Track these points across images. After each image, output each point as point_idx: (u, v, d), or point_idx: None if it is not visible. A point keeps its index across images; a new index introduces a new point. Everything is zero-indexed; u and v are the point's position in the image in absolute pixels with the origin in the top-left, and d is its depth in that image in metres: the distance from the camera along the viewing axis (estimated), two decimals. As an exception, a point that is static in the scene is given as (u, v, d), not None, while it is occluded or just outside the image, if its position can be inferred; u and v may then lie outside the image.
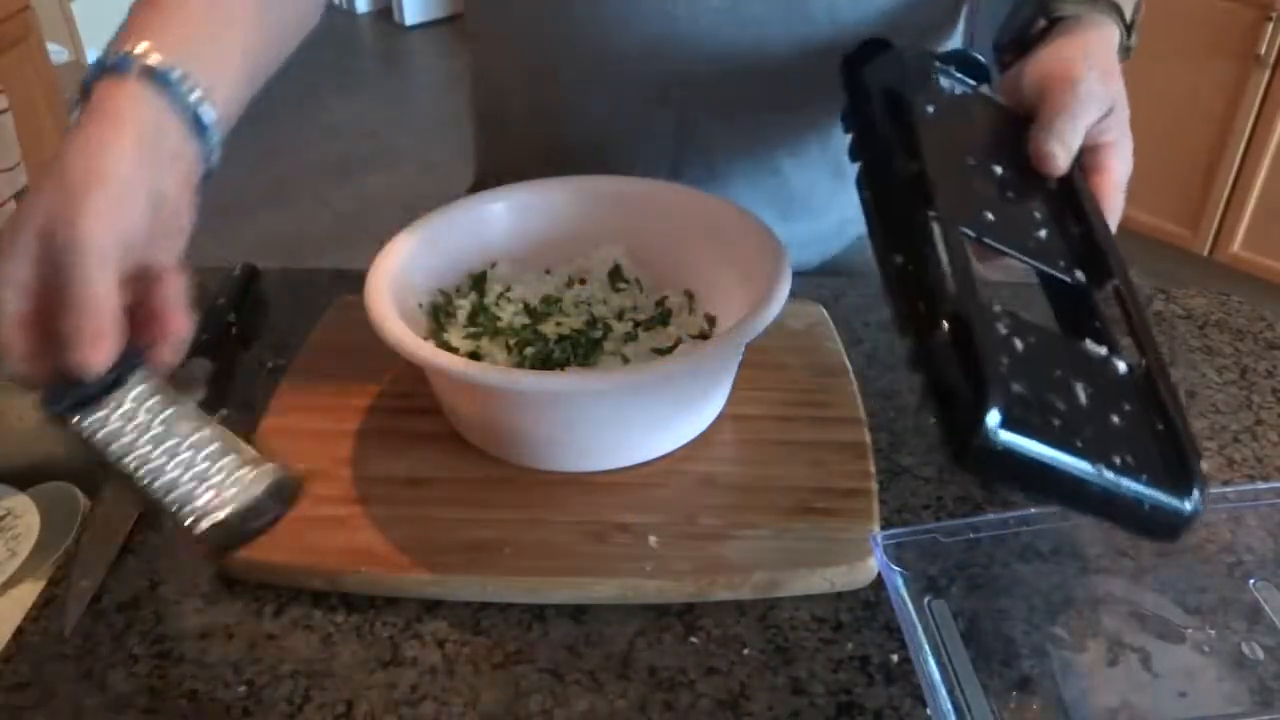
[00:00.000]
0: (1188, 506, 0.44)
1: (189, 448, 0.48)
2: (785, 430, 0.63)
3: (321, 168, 3.06)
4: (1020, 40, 0.61)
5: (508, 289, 0.69)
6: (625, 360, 0.63)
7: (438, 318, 0.66)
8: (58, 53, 2.32)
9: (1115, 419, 0.45)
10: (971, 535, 0.56)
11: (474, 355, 0.63)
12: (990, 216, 0.51)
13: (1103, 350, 0.48)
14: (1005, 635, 0.53)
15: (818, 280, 0.81)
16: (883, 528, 0.57)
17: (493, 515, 0.58)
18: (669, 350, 0.64)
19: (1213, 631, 0.54)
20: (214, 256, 0.70)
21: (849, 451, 0.62)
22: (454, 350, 0.63)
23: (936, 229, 0.48)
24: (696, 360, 0.59)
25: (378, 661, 0.53)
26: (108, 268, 0.45)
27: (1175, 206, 2.41)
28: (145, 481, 0.47)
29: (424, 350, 0.56)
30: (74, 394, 0.46)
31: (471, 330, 0.65)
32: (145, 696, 0.51)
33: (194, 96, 0.51)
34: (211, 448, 0.48)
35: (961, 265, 0.46)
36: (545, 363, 0.63)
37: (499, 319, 0.66)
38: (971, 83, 0.59)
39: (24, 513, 0.73)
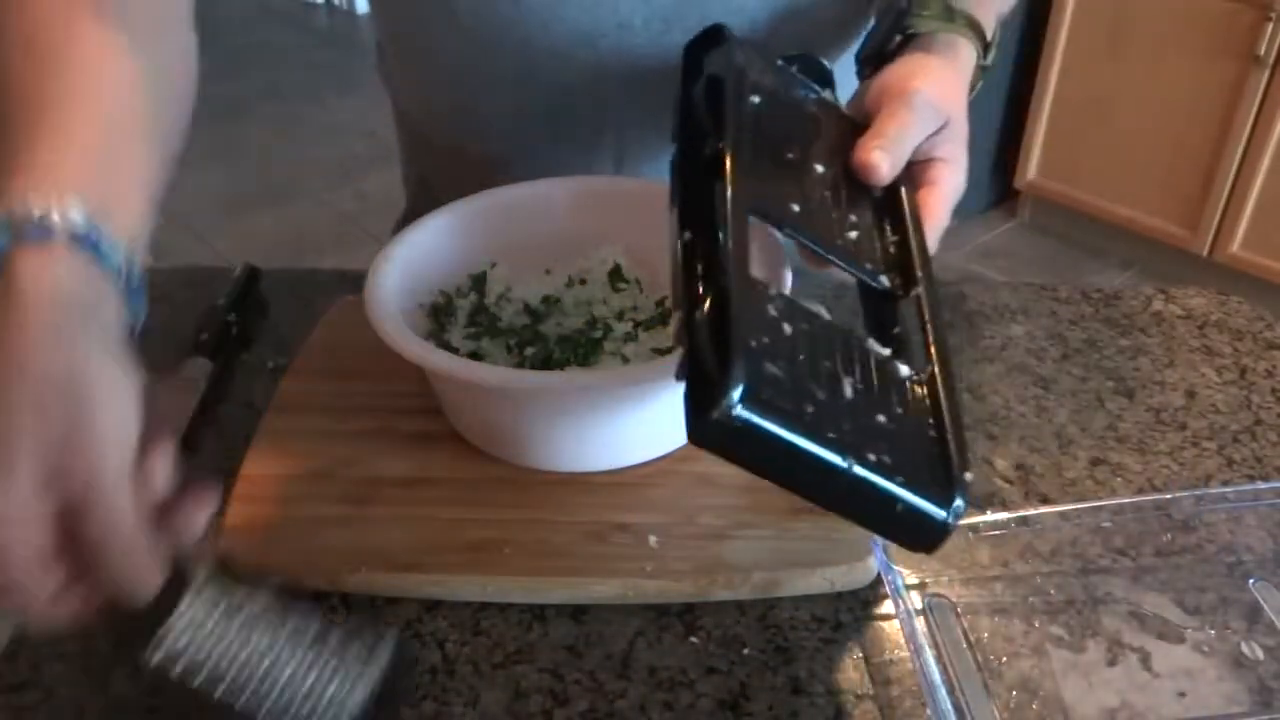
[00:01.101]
0: (943, 513, 0.42)
1: (288, 649, 0.43)
2: (785, 430, 0.63)
3: (321, 168, 3.06)
4: (878, 55, 0.61)
5: (508, 289, 0.69)
6: (625, 360, 0.63)
7: (438, 318, 0.66)
8: (58, 53, 2.31)
9: (881, 418, 0.44)
10: (971, 535, 0.57)
11: (474, 355, 0.63)
12: (795, 209, 0.51)
13: (886, 351, 0.47)
14: (1005, 635, 0.53)
15: (818, 280, 0.81)
16: (883, 528, 0.57)
17: (493, 515, 0.58)
18: (669, 350, 0.64)
19: (1212, 631, 0.54)
20: (214, 256, 0.70)
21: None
22: (454, 350, 0.63)
23: (722, 207, 0.47)
24: (696, 360, 0.59)
25: (378, 661, 0.53)
26: (127, 487, 0.40)
27: (1175, 206, 2.41)
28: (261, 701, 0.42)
29: (424, 350, 0.56)
30: (147, 631, 0.42)
31: (471, 330, 0.65)
32: (146, 697, 0.51)
33: (122, 259, 0.45)
34: (309, 638, 0.43)
35: (738, 243, 0.45)
36: (545, 363, 0.63)
37: (499, 319, 0.66)
38: (813, 85, 0.59)
39: (24, 513, 0.73)
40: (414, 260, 0.65)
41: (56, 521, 0.39)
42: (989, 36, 0.63)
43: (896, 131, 0.54)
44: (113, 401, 0.41)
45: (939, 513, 0.42)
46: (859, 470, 0.41)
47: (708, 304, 0.44)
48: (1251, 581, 0.56)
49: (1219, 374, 0.73)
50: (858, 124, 0.56)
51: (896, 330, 0.50)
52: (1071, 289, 0.82)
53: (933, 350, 0.48)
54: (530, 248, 0.71)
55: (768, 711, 0.51)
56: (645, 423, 0.60)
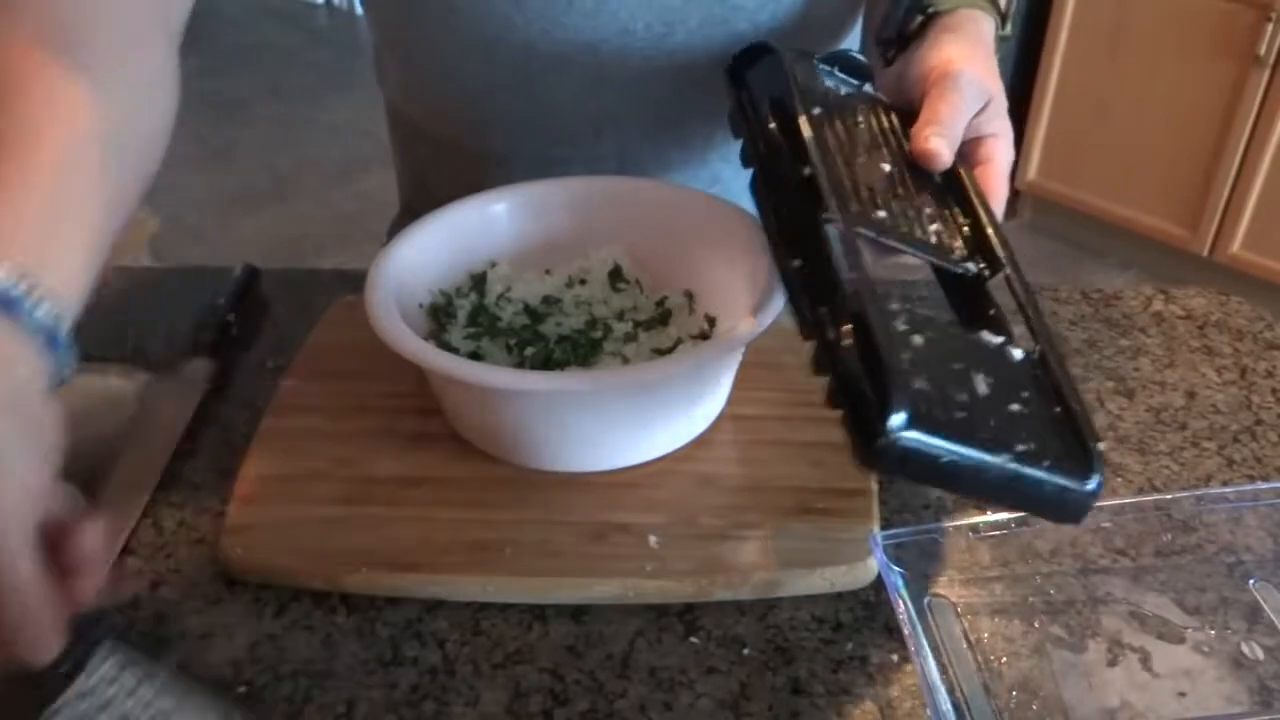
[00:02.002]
0: (1089, 486, 0.45)
1: None
2: (785, 430, 0.63)
3: (321, 168, 3.06)
4: (900, 36, 0.62)
5: (508, 289, 0.69)
6: (625, 360, 0.63)
7: (438, 318, 0.66)
8: (58, 53, 2.31)
9: (1015, 407, 0.46)
10: (971, 535, 0.57)
11: (474, 355, 0.63)
12: (882, 214, 0.52)
13: (998, 339, 0.49)
14: (1005, 635, 0.53)
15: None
16: (883, 528, 0.57)
17: (493, 515, 0.58)
18: (669, 350, 0.64)
19: (1213, 631, 0.54)
20: (214, 256, 0.70)
21: (849, 451, 0.62)
22: (454, 350, 0.63)
23: (831, 231, 0.48)
24: (696, 360, 0.59)
25: (378, 661, 0.53)
26: (28, 551, 0.38)
27: (1175, 206, 2.41)
28: None
29: (424, 350, 0.56)
30: (30, 699, 0.40)
31: (471, 330, 0.65)
32: (145, 696, 0.51)
33: (45, 314, 0.43)
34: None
35: (858, 266, 0.47)
36: (545, 363, 0.63)
37: (499, 319, 0.66)
38: (855, 82, 0.60)
39: (24, 513, 0.73)
40: (414, 260, 0.65)
41: None
42: (1003, 6, 0.63)
43: (949, 115, 0.55)
44: (14, 466, 0.38)
45: (1084, 486, 0.45)
46: (1012, 464, 0.43)
47: (846, 331, 0.45)
48: (1251, 581, 0.56)
49: (1219, 374, 0.73)
50: (905, 113, 0.57)
51: (993, 313, 0.51)
52: (1071, 289, 0.82)
53: (1037, 328, 0.49)
54: (530, 248, 0.71)
55: (768, 711, 0.51)
56: (645, 423, 0.60)
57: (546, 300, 0.68)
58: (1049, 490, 0.44)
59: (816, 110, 0.55)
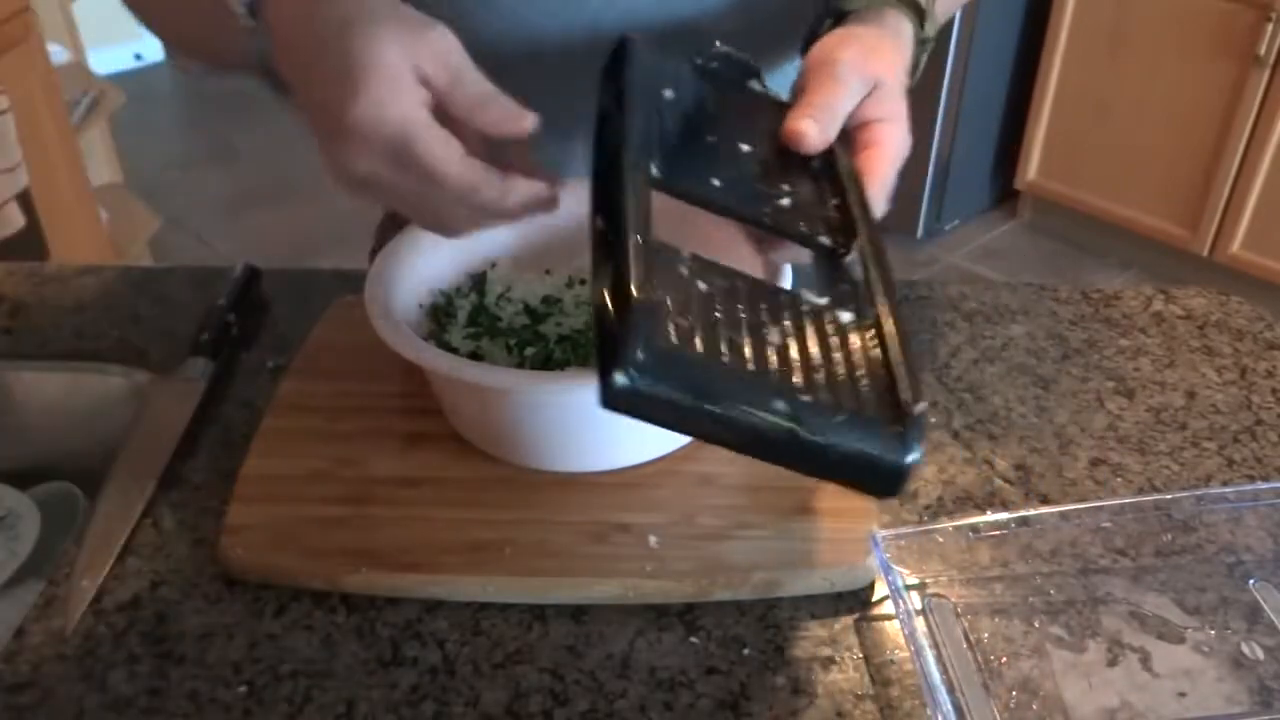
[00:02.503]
0: (903, 456, 0.40)
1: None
2: (785, 430, 0.63)
3: (322, 168, 3.06)
4: (813, 40, 0.61)
5: (508, 289, 0.69)
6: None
7: (438, 318, 0.66)
8: (58, 53, 2.32)
9: (819, 363, 0.42)
10: (971, 535, 0.57)
11: (474, 355, 0.63)
12: (715, 183, 0.51)
13: (823, 300, 0.46)
14: (1005, 635, 0.53)
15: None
16: (882, 528, 0.57)
17: (493, 515, 0.58)
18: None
19: (1213, 631, 0.54)
20: (214, 256, 0.70)
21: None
22: (454, 350, 0.63)
23: (620, 182, 0.47)
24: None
25: (378, 661, 0.53)
26: (439, 137, 0.49)
27: (1175, 206, 2.41)
28: None
29: (424, 351, 0.56)
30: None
31: (471, 330, 0.65)
32: (145, 697, 0.51)
33: None
34: None
35: (638, 214, 0.45)
36: (545, 363, 0.63)
37: (499, 319, 0.66)
38: (740, 81, 0.59)
39: (24, 513, 0.73)
40: (414, 260, 0.65)
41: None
42: (923, 6, 0.62)
43: (823, 100, 0.54)
44: (401, 67, 0.48)
45: (891, 453, 0.40)
46: (787, 415, 0.40)
47: (610, 274, 0.43)
48: (1251, 581, 0.56)
49: (1219, 374, 0.73)
50: (787, 106, 0.56)
51: (844, 287, 0.48)
52: (1071, 289, 0.82)
53: (878, 294, 0.46)
54: (530, 248, 0.71)
55: (768, 711, 0.51)
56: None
57: (546, 300, 0.68)
58: (847, 452, 0.40)
59: (669, 93, 0.55)
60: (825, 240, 0.51)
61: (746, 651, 0.53)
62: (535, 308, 0.68)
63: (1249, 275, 2.33)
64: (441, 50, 0.49)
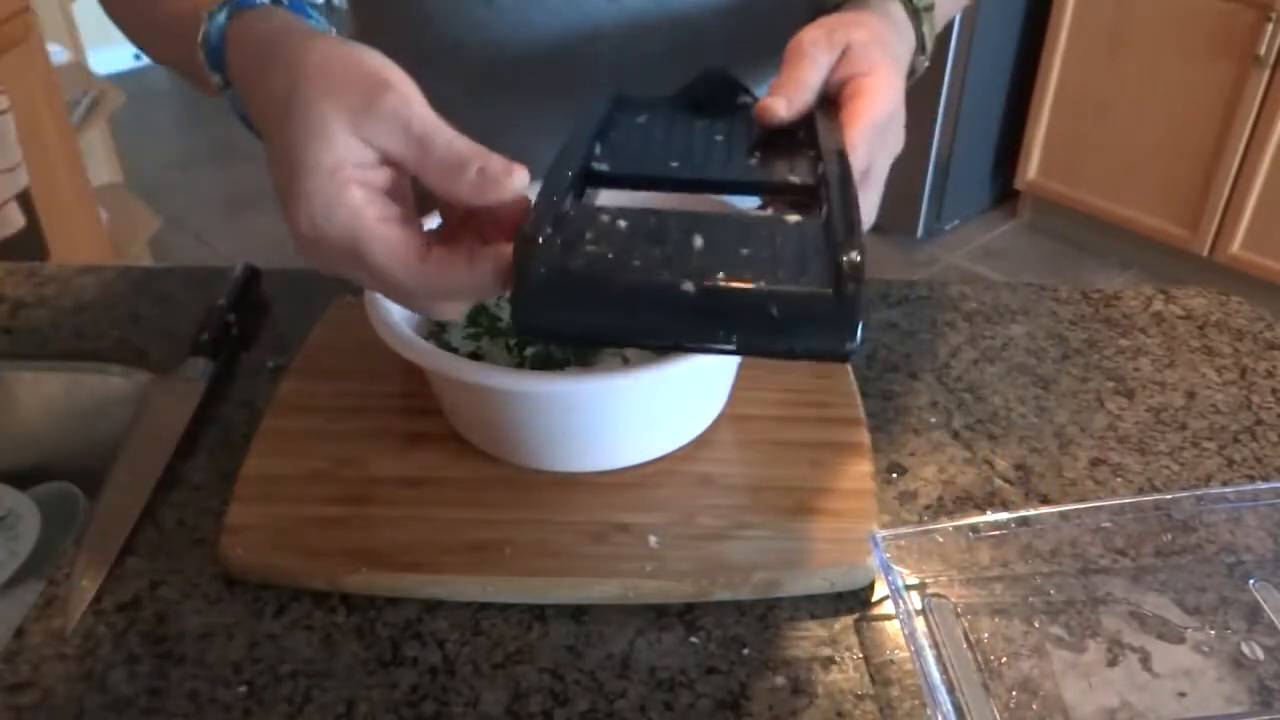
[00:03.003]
0: (829, 292, 0.39)
1: None
2: (785, 430, 0.64)
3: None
4: None
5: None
6: (625, 360, 0.63)
7: (438, 318, 0.66)
8: (58, 53, 2.32)
9: (745, 250, 0.41)
10: (971, 535, 0.57)
11: (474, 355, 0.63)
12: (674, 164, 0.52)
13: (767, 211, 0.47)
14: (1005, 635, 0.53)
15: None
16: (882, 528, 0.57)
17: (493, 515, 0.58)
18: (669, 350, 0.64)
19: (1213, 631, 0.54)
20: (214, 256, 0.70)
21: (849, 451, 0.62)
22: (454, 350, 0.63)
23: (554, 168, 0.48)
24: (696, 360, 0.59)
25: (378, 661, 0.53)
26: (439, 125, 0.44)
27: (1175, 206, 2.41)
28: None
29: (424, 351, 0.56)
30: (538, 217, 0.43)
31: (471, 330, 0.65)
32: (145, 697, 0.51)
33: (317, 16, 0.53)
34: None
35: (556, 182, 0.46)
36: (545, 363, 0.63)
37: (499, 319, 0.66)
38: (729, 101, 0.60)
39: (24, 513, 0.73)
40: (414, 260, 0.65)
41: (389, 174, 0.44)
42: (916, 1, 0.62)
43: (789, 77, 0.54)
44: (394, 65, 0.45)
45: (823, 290, 0.39)
46: (695, 288, 0.39)
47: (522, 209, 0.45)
48: (1251, 581, 0.56)
49: (1219, 374, 0.73)
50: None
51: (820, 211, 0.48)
52: (1071, 289, 0.82)
53: (827, 157, 0.47)
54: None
55: (768, 711, 0.51)
56: (645, 423, 0.60)
57: (546, 300, 0.68)
58: (777, 310, 0.39)
59: (640, 119, 0.57)
60: (795, 179, 0.51)
61: (746, 651, 0.53)
62: (535, 308, 0.68)
63: (1249, 275, 2.33)
64: (400, 118, 0.43)
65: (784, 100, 0.54)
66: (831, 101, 0.55)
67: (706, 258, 0.41)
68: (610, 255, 0.41)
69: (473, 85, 0.75)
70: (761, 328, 0.39)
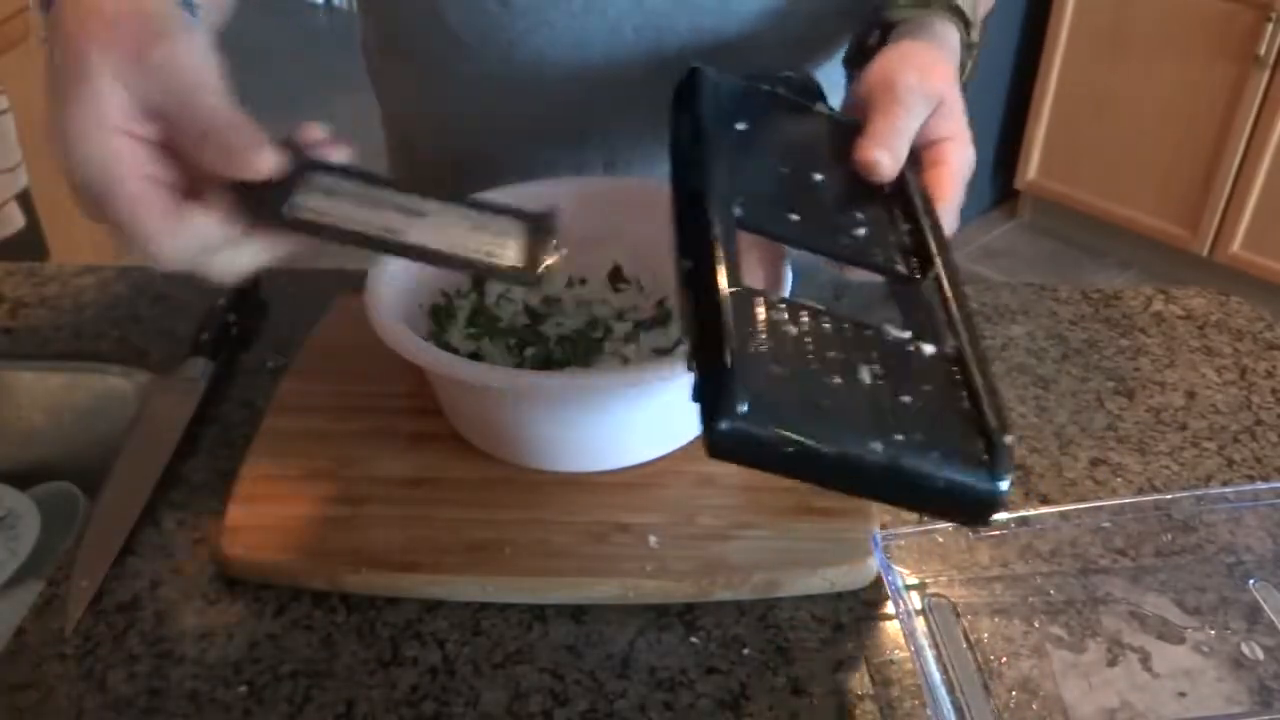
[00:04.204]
0: (987, 484, 0.42)
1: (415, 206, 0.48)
2: (785, 430, 0.63)
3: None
4: (859, 53, 0.61)
5: (507, 289, 0.69)
6: (625, 360, 0.63)
7: (438, 318, 0.66)
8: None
9: (907, 398, 0.43)
10: (971, 535, 0.57)
11: (474, 356, 0.63)
12: (793, 218, 0.52)
13: (906, 334, 0.47)
14: (1005, 635, 0.53)
15: (818, 281, 0.81)
16: (882, 528, 0.57)
17: (493, 515, 0.58)
18: (669, 350, 0.64)
19: (1213, 631, 0.54)
20: (214, 256, 0.70)
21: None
22: (454, 351, 0.63)
23: (709, 227, 0.48)
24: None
25: (378, 661, 0.53)
26: (224, 94, 0.44)
27: (1175, 206, 2.41)
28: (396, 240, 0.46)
29: (424, 351, 0.56)
30: (264, 196, 0.44)
31: (472, 331, 0.65)
32: (145, 697, 0.51)
33: None
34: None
35: (727, 259, 0.46)
36: (545, 363, 0.63)
37: (499, 319, 0.67)
38: (805, 102, 0.59)
39: (24, 513, 0.73)
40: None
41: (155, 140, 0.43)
42: (968, 15, 0.62)
43: (890, 126, 0.54)
44: (184, 23, 0.44)
45: (983, 483, 0.42)
46: (884, 455, 0.41)
47: (704, 323, 0.45)
48: (1251, 581, 0.56)
49: (1219, 374, 0.73)
50: (853, 127, 0.57)
51: (920, 315, 0.50)
52: (1071, 289, 0.82)
53: (958, 324, 0.48)
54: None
55: (768, 711, 0.51)
56: (645, 423, 0.60)
57: (546, 300, 0.68)
58: (941, 485, 0.41)
59: (741, 125, 0.55)
60: (901, 268, 0.52)
61: (746, 651, 0.53)
62: (535, 308, 0.68)
63: (1249, 275, 2.33)
64: (163, 73, 0.42)
65: (890, 158, 0.54)
66: (913, 151, 0.56)
67: (876, 400, 0.43)
68: (805, 396, 0.42)
69: (488, 86, 0.75)
70: (923, 498, 0.43)
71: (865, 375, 0.44)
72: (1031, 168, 2.64)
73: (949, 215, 0.55)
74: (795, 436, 0.41)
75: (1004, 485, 0.42)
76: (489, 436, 0.62)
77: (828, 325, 0.46)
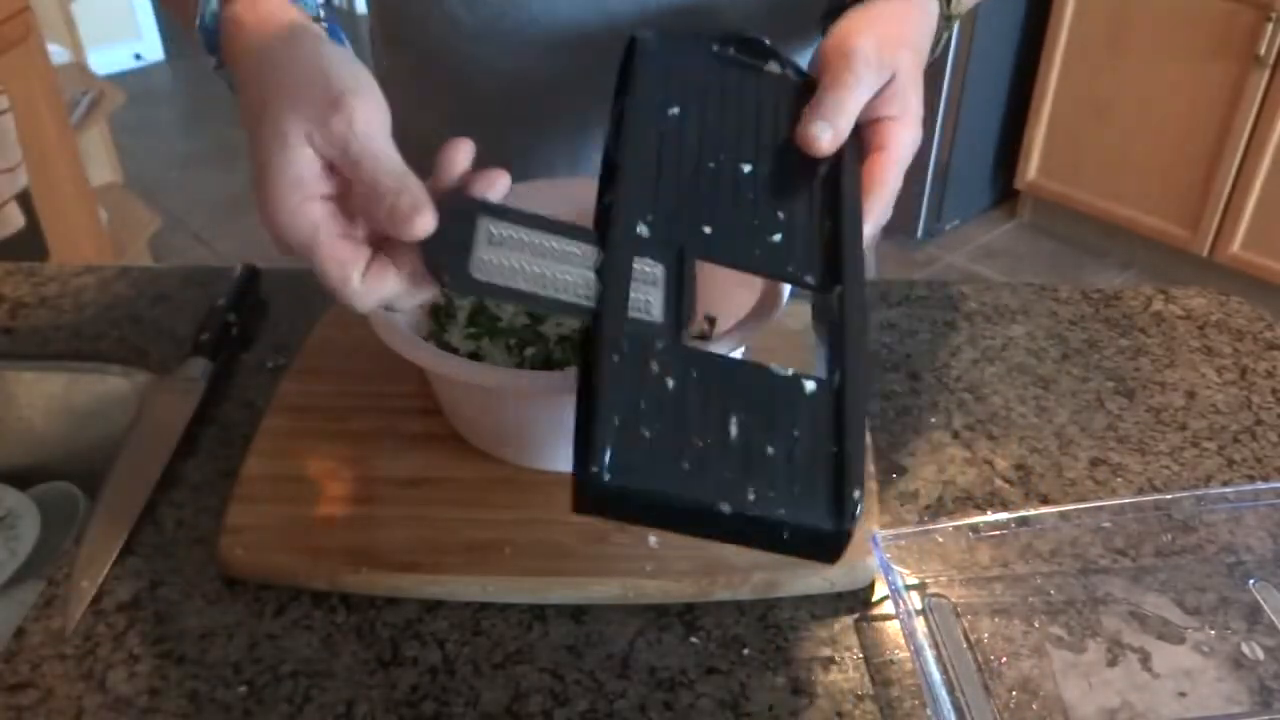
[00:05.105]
0: (831, 528, 0.43)
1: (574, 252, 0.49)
2: (785, 430, 0.63)
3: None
4: (835, 11, 0.58)
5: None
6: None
7: (438, 318, 0.66)
8: (58, 53, 2.32)
9: (770, 449, 0.45)
10: (971, 535, 0.57)
11: (474, 355, 0.63)
12: (706, 230, 0.51)
13: (788, 372, 0.47)
14: (1005, 635, 0.53)
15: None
16: (883, 528, 0.57)
17: (493, 515, 0.58)
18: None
19: (1213, 631, 0.54)
20: (214, 256, 0.70)
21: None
22: (454, 350, 0.63)
23: (612, 263, 0.49)
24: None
25: (378, 661, 0.53)
26: (393, 146, 0.47)
27: (1175, 206, 2.41)
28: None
29: (424, 351, 0.56)
30: (441, 243, 0.46)
31: (471, 331, 0.65)
32: (145, 697, 0.51)
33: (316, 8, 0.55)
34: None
35: (611, 303, 0.47)
36: (545, 363, 0.63)
37: (499, 319, 0.66)
38: (758, 64, 0.58)
39: (24, 513, 0.73)
40: (414, 260, 0.65)
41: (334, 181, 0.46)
42: None
43: (835, 98, 0.52)
44: (361, 79, 0.47)
45: (827, 527, 0.43)
46: (736, 511, 0.43)
47: (583, 373, 0.46)
48: (1251, 581, 0.56)
49: (1219, 374, 0.73)
50: (805, 87, 0.55)
51: (823, 330, 0.50)
52: (1071, 289, 0.82)
53: (845, 352, 0.48)
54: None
55: (768, 711, 0.51)
56: (645, 423, 0.60)
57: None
58: (788, 535, 0.43)
59: (675, 110, 0.54)
60: (810, 279, 0.51)
61: (746, 651, 0.53)
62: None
63: (1249, 275, 2.33)
64: (341, 139, 0.45)
65: (830, 133, 0.52)
66: (857, 126, 0.54)
67: (738, 456, 0.44)
68: (661, 456, 0.43)
69: (490, 75, 0.74)
70: (775, 544, 0.44)
71: (734, 428, 0.45)
72: (1031, 168, 2.64)
73: (879, 205, 0.53)
74: (655, 495, 0.43)
75: (847, 530, 0.44)
76: (489, 436, 0.62)
77: (709, 371, 0.46)
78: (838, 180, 0.53)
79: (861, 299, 0.50)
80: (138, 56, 3.74)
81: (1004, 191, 2.81)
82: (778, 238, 0.52)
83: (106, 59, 3.48)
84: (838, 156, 0.54)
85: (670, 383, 0.45)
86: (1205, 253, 2.39)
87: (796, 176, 0.53)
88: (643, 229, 0.50)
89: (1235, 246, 2.35)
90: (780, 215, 0.52)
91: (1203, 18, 2.21)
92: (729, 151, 0.54)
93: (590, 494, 0.42)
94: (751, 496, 0.43)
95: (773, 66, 0.58)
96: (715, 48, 0.58)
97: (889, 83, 0.54)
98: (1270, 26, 2.10)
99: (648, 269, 0.49)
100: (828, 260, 0.51)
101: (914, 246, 2.70)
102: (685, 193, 0.52)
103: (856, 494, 0.44)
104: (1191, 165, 2.35)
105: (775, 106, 0.56)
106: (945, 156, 2.60)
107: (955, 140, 2.58)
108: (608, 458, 0.42)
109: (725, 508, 0.43)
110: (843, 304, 0.49)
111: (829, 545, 0.44)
